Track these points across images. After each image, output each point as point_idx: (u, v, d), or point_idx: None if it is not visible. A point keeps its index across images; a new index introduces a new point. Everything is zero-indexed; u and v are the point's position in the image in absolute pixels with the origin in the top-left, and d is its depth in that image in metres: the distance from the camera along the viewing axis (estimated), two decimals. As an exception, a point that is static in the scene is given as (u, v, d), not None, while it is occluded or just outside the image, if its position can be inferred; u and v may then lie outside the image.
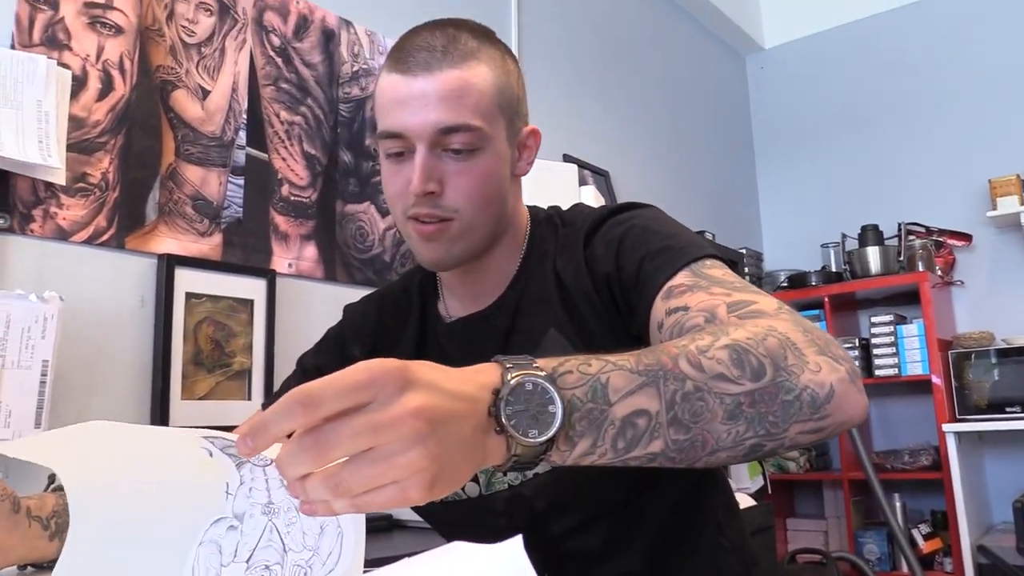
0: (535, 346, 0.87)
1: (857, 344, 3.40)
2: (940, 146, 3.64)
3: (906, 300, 3.46)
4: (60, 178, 1.48)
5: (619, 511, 0.88)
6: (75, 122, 1.53)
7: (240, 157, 1.81)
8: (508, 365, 0.53)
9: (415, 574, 0.54)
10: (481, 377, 0.53)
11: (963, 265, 3.54)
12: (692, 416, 0.57)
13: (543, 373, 0.53)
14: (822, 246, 3.76)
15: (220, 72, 1.80)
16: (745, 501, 2.47)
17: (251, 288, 1.77)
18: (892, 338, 3.33)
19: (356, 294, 1.17)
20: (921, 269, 3.37)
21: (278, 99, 1.91)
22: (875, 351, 3.36)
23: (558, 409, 0.53)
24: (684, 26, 3.80)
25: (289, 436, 0.48)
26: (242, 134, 1.82)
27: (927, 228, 3.53)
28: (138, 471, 0.53)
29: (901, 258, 3.41)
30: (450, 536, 0.97)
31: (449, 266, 0.90)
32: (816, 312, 3.43)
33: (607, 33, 3.22)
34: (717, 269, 0.78)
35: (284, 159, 1.91)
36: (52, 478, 1.21)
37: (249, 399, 1.73)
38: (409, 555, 0.68)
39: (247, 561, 0.55)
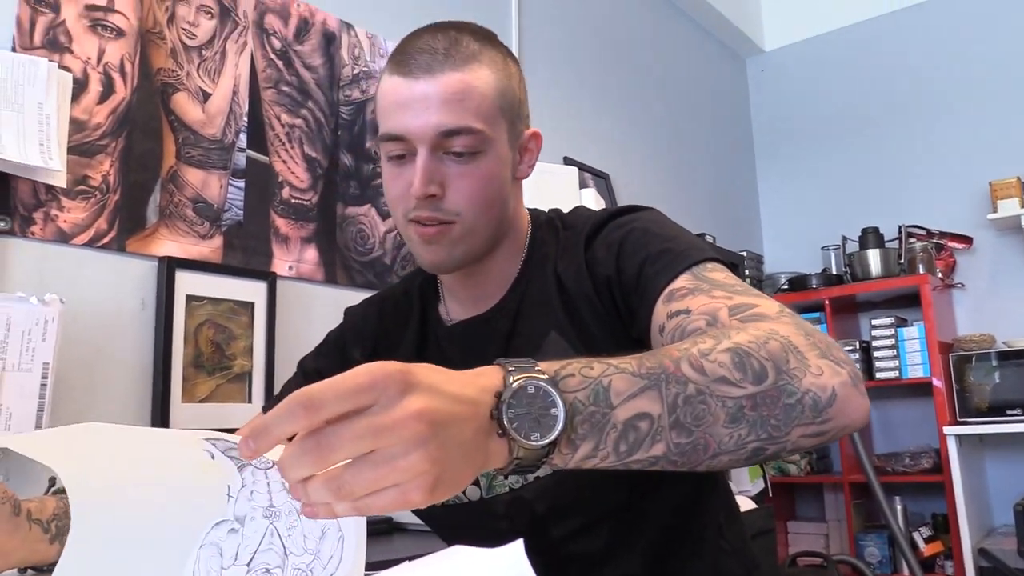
0: (536, 349, 0.87)
1: (858, 347, 3.40)
2: (940, 148, 3.64)
3: (907, 303, 3.46)
4: (61, 181, 1.48)
5: (620, 514, 0.88)
6: (76, 125, 1.53)
7: (241, 160, 1.82)
8: (510, 368, 0.53)
9: (416, 578, 0.54)
10: (483, 380, 0.53)
11: (964, 268, 3.54)
12: (694, 419, 0.57)
13: (545, 376, 0.53)
14: (822, 248, 3.76)
15: (221, 75, 1.80)
16: (746, 504, 2.47)
17: (252, 291, 1.77)
18: (893, 341, 3.33)
19: (357, 297, 1.17)
20: (922, 272, 3.37)
21: (279, 102, 1.92)
22: (876, 353, 3.36)
23: (560, 412, 0.52)
24: (684, 29, 3.80)
25: (291, 439, 0.48)
26: (243, 137, 1.82)
27: (928, 231, 3.53)
28: (139, 473, 0.53)
29: (902, 260, 3.41)
30: (451, 539, 0.96)
31: (450, 269, 0.90)
32: (817, 315, 3.43)
33: (607, 36, 3.22)
34: (718, 272, 0.78)
35: (285, 162, 1.91)
36: (52, 481, 1.21)
37: (249, 402, 1.73)
38: (409, 558, 0.68)
39: (248, 564, 0.55)
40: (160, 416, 1.58)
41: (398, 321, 1.01)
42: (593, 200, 2.53)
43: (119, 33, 1.63)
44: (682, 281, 0.76)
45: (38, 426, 1.32)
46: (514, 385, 0.52)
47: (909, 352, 3.29)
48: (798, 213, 4.05)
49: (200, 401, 1.65)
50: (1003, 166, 3.38)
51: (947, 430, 3.03)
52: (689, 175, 3.63)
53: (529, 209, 0.99)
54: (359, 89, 2.11)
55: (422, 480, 0.47)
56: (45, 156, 1.43)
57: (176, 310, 1.62)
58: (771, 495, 3.03)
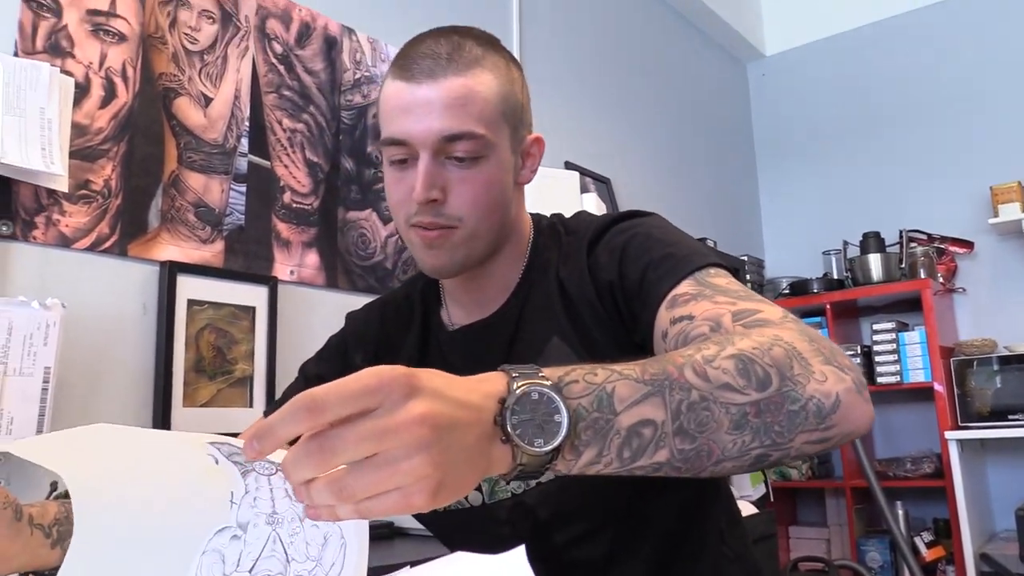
0: (538, 354, 0.87)
1: (859, 351, 3.40)
2: (941, 153, 3.64)
3: (908, 307, 3.46)
4: (63, 185, 1.48)
5: (622, 521, 0.88)
6: (78, 129, 1.53)
7: (242, 164, 1.82)
8: (514, 374, 0.53)
9: (419, 584, 0.54)
10: (487, 386, 0.53)
11: (965, 272, 3.54)
12: (698, 426, 0.57)
13: (549, 382, 0.53)
14: (824, 253, 3.76)
15: (222, 79, 1.80)
16: (747, 509, 2.47)
17: (253, 295, 1.77)
18: (894, 345, 3.32)
19: (358, 301, 1.17)
20: (923, 276, 3.36)
21: (280, 106, 1.92)
22: (877, 358, 3.36)
23: (564, 418, 0.52)
24: (685, 33, 3.81)
25: (294, 442, 0.48)
26: (244, 141, 1.83)
27: (929, 235, 3.53)
28: (143, 477, 0.53)
29: (903, 265, 3.41)
30: (453, 545, 0.96)
31: (451, 273, 0.89)
32: (818, 319, 3.43)
33: (609, 41, 3.23)
34: (721, 278, 0.78)
35: (286, 166, 1.91)
36: (54, 485, 1.21)
37: (251, 406, 1.73)
38: (411, 563, 0.68)
39: (250, 571, 0.55)
40: (161, 420, 1.57)
41: (400, 326, 1.01)
42: (594, 205, 2.53)
43: (121, 38, 1.63)
44: (685, 287, 0.76)
45: (39, 431, 1.32)
46: (518, 391, 0.52)
47: (910, 357, 3.28)
48: (799, 217, 4.05)
49: (201, 405, 1.65)
50: (1004, 170, 3.38)
51: (948, 435, 3.02)
52: (690, 179, 3.63)
53: (531, 214, 0.99)
54: (360, 94, 2.11)
55: (424, 484, 0.47)
56: (47, 160, 1.43)
57: (177, 314, 1.62)
58: (772, 500, 3.02)
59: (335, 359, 1.03)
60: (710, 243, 3.19)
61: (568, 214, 1.00)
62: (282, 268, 1.86)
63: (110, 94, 1.60)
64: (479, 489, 0.89)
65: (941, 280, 3.44)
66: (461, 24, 0.89)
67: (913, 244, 3.47)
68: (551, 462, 0.53)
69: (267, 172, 1.87)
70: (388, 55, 2.19)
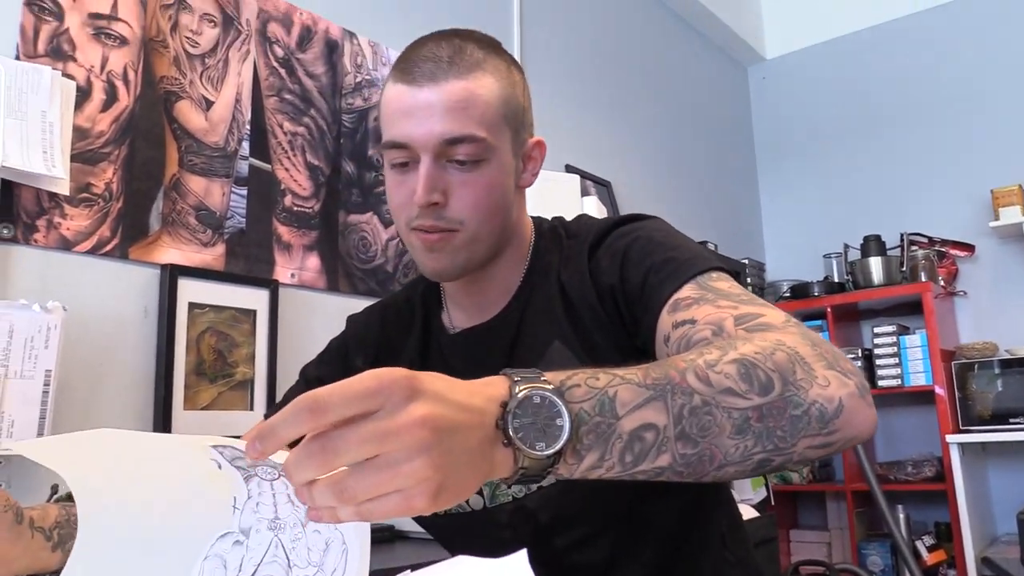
0: (539, 358, 0.87)
1: (860, 354, 3.40)
2: (942, 156, 3.64)
3: (909, 310, 3.46)
4: (64, 188, 1.48)
5: (623, 524, 0.88)
6: (79, 132, 1.53)
7: (243, 168, 1.82)
8: (516, 378, 0.53)
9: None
10: (489, 390, 0.53)
11: (966, 275, 3.54)
12: (700, 430, 0.57)
13: (551, 386, 0.53)
14: (824, 256, 3.75)
15: (224, 83, 1.80)
16: (748, 512, 2.47)
17: (254, 298, 1.77)
18: (895, 348, 3.32)
19: (358, 304, 1.16)
20: (924, 279, 3.36)
21: (281, 110, 1.92)
22: (878, 361, 3.35)
23: (565, 422, 0.53)
24: (686, 37, 3.81)
25: (294, 445, 0.49)
26: (245, 145, 1.83)
27: (929, 238, 3.53)
28: (146, 481, 0.53)
29: (903, 268, 3.41)
30: (453, 549, 0.96)
31: (452, 277, 0.89)
32: (818, 322, 3.43)
33: (609, 44, 3.23)
34: (723, 281, 0.77)
35: (287, 170, 1.91)
36: (55, 488, 1.21)
37: (251, 409, 1.73)
38: (411, 567, 0.68)
39: None
40: (162, 424, 1.57)
41: (401, 329, 1.01)
42: (595, 208, 2.53)
43: (122, 41, 1.63)
44: (687, 291, 0.76)
45: (40, 433, 1.32)
46: (520, 395, 0.52)
47: (911, 360, 3.28)
48: (800, 221, 4.05)
49: (202, 409, 1.65)
50: (1005, 174, 3.38)
51: (949, 438, 3.02)
52: (691, 182, 3.63)
53: (532, 217, 0.98)
54: (361, 97, 2.12)
55: (425, 486, 0.47)
56: (48, 164, 1.43)
57: (178, 318, 1.62)
58: (773, 503, 3.02)
59: (336, 362, 1.03)
60: (711, 246, 3.20)
61: (569, 217, 1.00)
62: (283, 271, 1.86)
63: (111, 97, 1.60)
64: (480, 493, 0.89)
65: (942, 283, 3.44)
66: (462, 27, 0.89)
67: (914, 247, 3.47)
68: (553, 466, 0.53)
69: (268, 175, 1.87)
70: (389, 59, 2.19)
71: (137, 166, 1.62)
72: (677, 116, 3.62)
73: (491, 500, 0.88)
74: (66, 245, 1.49)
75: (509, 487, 0.87)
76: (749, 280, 3.62)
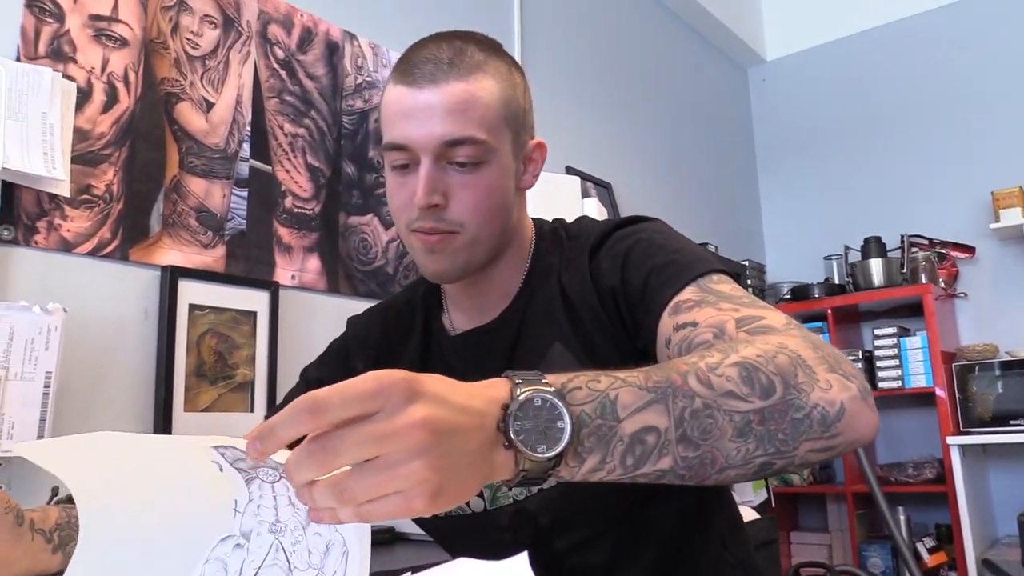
0: (540, 360, 0.87)
1: (860, 356, 3.40)
2: (943, 158, 3.64)
3: (909, 312, 3.46)
4: (64, 190, 1.48)
5: (624, 527, 0.88)
6: (80, 134, 1.53)
7: (244, 169, 1.82)
8: (517, 381, 0.53)
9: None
10: (491, 392, 0.53)
11: (966, 277, 3.54)
12: (701, 433, 0.57)
13: (552, 389, 0.53)
14: (825, 258, 3.75)
15: (224, 84, 1.80)
16: (749, 514, 2.46)
17: (254, 300, 1.77)
18: (895, 350, 3.32)
19: (359, 306, 1.16)
20: (924, 281, 3.36)
21: (282, 111, 1.92)
22: (878, 363, 3.35)
23: (566, 425, 0.53)
24: (686, 39, 3.81)
25: (295, 446, 0.49)
26: (246, 146, 1.83)
27: (930, 240, 3.53)
28: (147, 485, 0.53)
29: (904, 270, 3.41)
30: (454, 551, 0.96)
31: (453, 278, 0.89)
32: (819, 324, 3.42)
33: (610, 46, 3.23)
34: (724, 284, 0.77)
35: (288, 171, 1.91)
36: (55, 491, 1.21)
37: (252, 411, 1.73)
38: (411, 568, 0.68)
39: None
40: (162, 425, 1.57)
41: (401, 331, 1.01)
42: (595, 210, 2.53)
43: (123, 43, 1.63)
44: (688, 293, 0.76)
45: (40, 435, 1.32)
46: (521, 398, 0.52)
47: (912, 362, 3.28)
48: (800, 222, 4.05)
49: (202, 410, 1.65)
50: (1005, 176, 3.38)
51: (950, 440, 3.02)
52: (691, 184, 3.63)
53: (533, 219, 0.98)
54: (362, 99, 2.12)
55: (424, 488, 0.47)
56: (49, 165, 1.43)
57: (179, 319, 1.62)
58: (774, 505, 3.02)
59: (336, 364, 1.03)
60: (711, 248, 3.20)
61: (570, 219, 1.00)
62: (283, 273, 1.86)
63: (112, 99, 1.60)
64: (481, 495, 0.89)
65: (942, 285, 3.44)
66: (463, 29, 0.89)
67: (914, 249, 3.47)
68: (554, 468, 0.53)
69: (268, 177, 1.87)
70: (390, 60, 2.20)
71: (137, 168, 1.62)
72: (677, 118, 3.62)
73: (491, 502, 0.88)
74: (66, 247, 1.49)
75: (510, 489, 0.87)
76: (749, 282, 3.62)
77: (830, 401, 0.61)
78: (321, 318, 1.91)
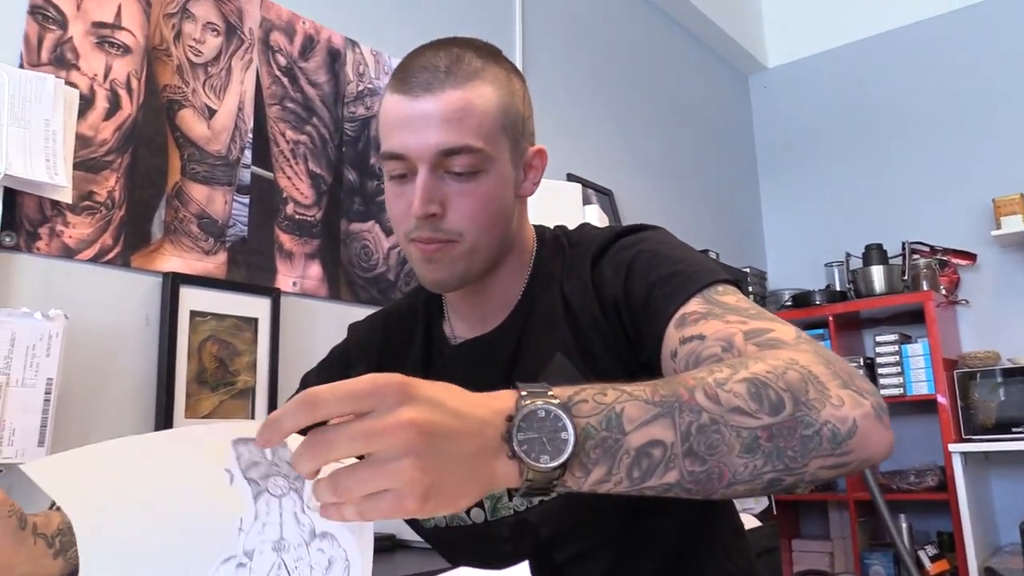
0: (540, 370, 0.86)
1: (862, 363, 3.39)
2: (944, 165, 3.65)
3: (910, 319, 3.45)
4: (66, 196, 1.48)
5: (625, 538, 0.87)
6: (82, 141, 1.53)
7: (245, 176, 1.82)
8: (524, 392, 0.54)
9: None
10: (497, 403, 0.54)
11: (967, 284, 3.54)
12: (708, 448, 0.57)
13: (557, 401, 0.54)
14: (826, 265, 3.75)
15: (226, 91, 1.81)
16: (750, 522, 2.46)
17: (255, 306, 1.77)
18: (897, 357, 3.32)
19: (360, 313, 1.16)
20: (925, 288, 3.36)
21: (284, 118, 1.92)
22: (880, 370, 3.35)
23: (570, 436, 0.53)
24: (688, 46, 3.82)
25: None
26: (248, 153, 1.83)
27: (931, 247, 3.53)
28: (151, 500, 0.52)
29: (905, 277, 3.40)
30: (454, 561, 0.96)
31: (451, 288, 0.89)
32: (820, 331, 3.42)
33: (611, 53, 3.24)
34: (730, 295, 0.77)
35: (289, 178, 1.91)
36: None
37: (253, 418, 1.73)
38: (413, 578, 0.68)
39: None
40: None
41: (403, 338, 1.00)
42: (596, 217, 2.53)
43: (126, 50, 1.64)
44: (694, 305, 0.75)
45: (41, 442, 1.32)
46: (525, 409, 0.53)
47: (913, 369, 3.27)
48: (801, 229, 4.05)
49: (203, 417, 1.65)
50: (1006, 183, 3.38)
51: (952, 447, 3.01)
52: (692, 191, 3.63)
53: (535, 226, 0.98)
54: (364, 106, 2.12)
55: (414, 487, 0.49)
56: (51, 172, 1.43)
57: (180, 326, 1.62)
58: (775, 513, 3.01)
59: (337, 370, 1.03)
60: (712, 255, 3.20)
61: (571, 226, 0.99)
62: (285, 279, 1.86)
63: (114, 106, 1.60)
64: (481, 506, 0.88)
65: (944, 292, 3.43)
66: (464, 36, 0.89)
67: (916, 256, 3.47)
68: (559, 478, 0.54)
69: (270, 183, 1.87)
70: (391, 67, 2.20)
71: (139, 174, 1.63)
72: (679, 125, 3.62)
73: (492, 513, 0.88)
74: (68, 253, 1.50)
75: (510, 499, 0.87)
76: (751, 289, 3.62)
77: (841, 418, 0.60)
78: (322, 325, 1.91)
